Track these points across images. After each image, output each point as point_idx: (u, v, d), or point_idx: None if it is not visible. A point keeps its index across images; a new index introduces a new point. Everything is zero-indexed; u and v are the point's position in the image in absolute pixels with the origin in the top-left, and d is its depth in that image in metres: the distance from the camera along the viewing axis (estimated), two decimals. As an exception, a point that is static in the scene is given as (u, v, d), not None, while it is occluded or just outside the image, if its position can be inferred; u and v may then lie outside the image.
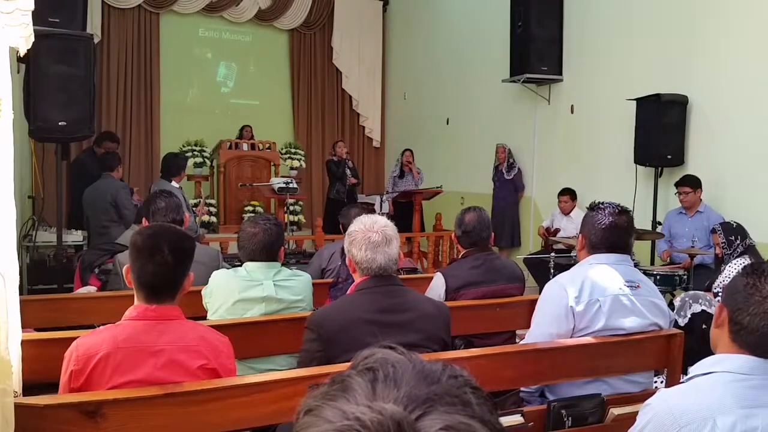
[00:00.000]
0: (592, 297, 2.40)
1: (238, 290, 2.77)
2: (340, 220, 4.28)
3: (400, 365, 0.62)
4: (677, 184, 5.47)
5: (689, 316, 3.92)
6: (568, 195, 6.77)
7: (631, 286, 2.45)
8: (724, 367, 1.47)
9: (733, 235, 4.22)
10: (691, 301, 3.96)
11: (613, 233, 2.48)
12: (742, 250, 4.15)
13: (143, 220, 3.47)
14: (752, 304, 1.46)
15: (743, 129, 5.30)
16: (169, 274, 1.97)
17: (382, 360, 0.63)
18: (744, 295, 1.48)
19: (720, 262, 4.34)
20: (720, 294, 3.83)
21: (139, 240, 2.01)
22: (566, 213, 6.78)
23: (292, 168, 9.70)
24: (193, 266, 2.08)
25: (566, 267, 3.30)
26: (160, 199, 3.47)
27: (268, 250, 2.83)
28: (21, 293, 1.82)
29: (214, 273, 2.89)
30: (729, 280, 1.72)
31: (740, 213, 4.92)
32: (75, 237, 6.15)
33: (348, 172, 8.99)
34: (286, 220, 7.45)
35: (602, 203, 2.55)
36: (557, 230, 6.75)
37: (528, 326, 2.64)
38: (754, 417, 1.39)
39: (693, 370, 1.53)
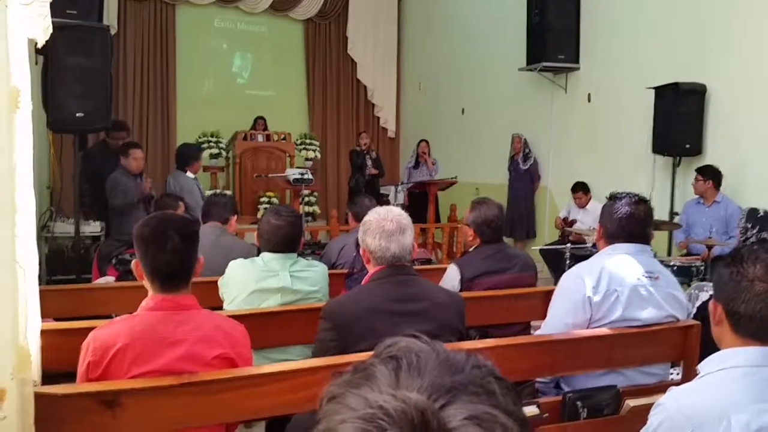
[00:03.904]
0: (610, 287, 2.38)
1: (255, 280, 2.79)
2: (349, 209, 4.25)
3: (423, 354, 0.62)
4: (697, 170, 5.43)
5: (697, 306, 3.87)
6: (581, 191, 6.71)
7: (650, 277, 2.43)
8: (733, 362, 1.44)
9: (751, 222, 4.12)
10: (697, 292, 3.90)
11: (630, 223, 2.46)
12: (755, 239, 4.05)
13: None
14: (743, 291, 1.44)
15: (762, 118, 5.22)
16: (183, 261, 1.98)
17: (406, 348, 0.63)
18: (732, 285, 1.46)
19: None
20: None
21: (147, 231, 1.99)
22: (582, 207, 6.73)
23: (307, 159, 9.71)
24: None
25: (582, 258, 3.27)
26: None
27: (291, 242, 2.87)
28: (40, 284, 1.83)
29: (231, 263, 2.90)
30: None
31: (759, 203, 4.85)
32: (93, 228, 6.20)
33: (369, 162, 9.02)
34: (301, 211, 7.47)
35: (621, 193, 2.53)
36: (574, 221, 6.70)
37: (543, 317, 2.62)
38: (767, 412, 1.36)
39: (702, 367, 1.50)
